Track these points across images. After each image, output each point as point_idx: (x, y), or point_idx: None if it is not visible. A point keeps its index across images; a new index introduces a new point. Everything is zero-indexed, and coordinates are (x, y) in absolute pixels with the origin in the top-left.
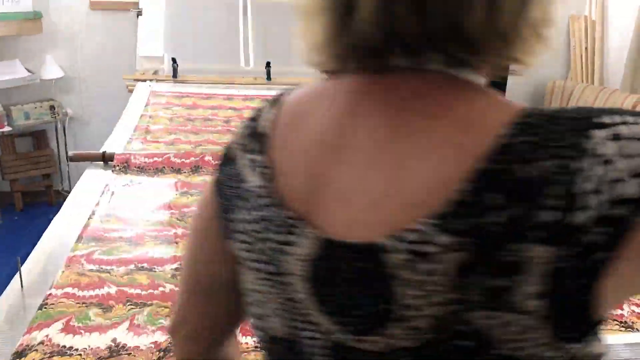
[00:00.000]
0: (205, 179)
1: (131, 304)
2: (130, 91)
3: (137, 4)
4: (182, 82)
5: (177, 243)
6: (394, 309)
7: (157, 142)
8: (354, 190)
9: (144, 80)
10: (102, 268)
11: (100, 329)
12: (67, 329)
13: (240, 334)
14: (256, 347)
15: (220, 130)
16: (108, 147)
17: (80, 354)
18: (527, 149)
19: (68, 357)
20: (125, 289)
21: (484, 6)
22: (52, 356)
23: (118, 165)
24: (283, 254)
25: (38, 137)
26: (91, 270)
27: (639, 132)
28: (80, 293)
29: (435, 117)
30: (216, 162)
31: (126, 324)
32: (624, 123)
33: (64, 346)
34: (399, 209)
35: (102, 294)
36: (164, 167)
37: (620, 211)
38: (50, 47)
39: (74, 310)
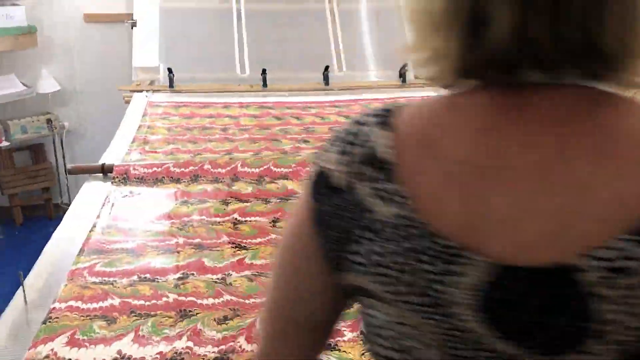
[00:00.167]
0: (205, 188)
1: (135, 315)
2: (127, 102)
3: (130, 15)
4: (179, 91)
5: (178, 252)
6: (591, 326)
7: (156, 152)
8: (524, 213)
9: (140, 91)
10: (104, 280)
11: (105, 341)
12: (72, 342)
13: None
14: None
15: (218, 138)
16: (107, 159)
17: None
18: None
19: None
20: (129, 300)
21: (620, 22)
22: None
23: (117, 177)
24: (442, 284)
25: (36, 150)
26: (94, 282)
27: None
28: (84, 306)
29: (603, 133)
30: (309, 190)
31: (131, 335)
32: None
33: (69, 359)
34: (586, 228)
35: (106, 306)
36: (164, 177)
37: None
38: (46, 60)
39: (78, 323)
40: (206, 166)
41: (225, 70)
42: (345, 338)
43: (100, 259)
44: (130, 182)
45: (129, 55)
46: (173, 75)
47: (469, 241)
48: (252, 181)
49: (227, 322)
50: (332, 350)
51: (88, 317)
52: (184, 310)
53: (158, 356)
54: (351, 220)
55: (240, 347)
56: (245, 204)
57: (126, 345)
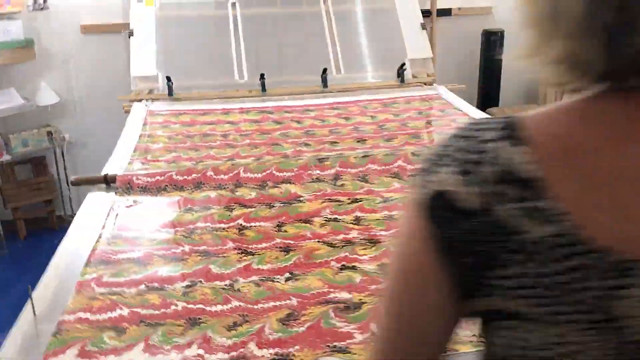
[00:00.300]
0: (208, 195)
1: (145, 325)
2: (127, 112)
3: (127, 25)
4: (178, 99)
5: (184, 260)
6: None
7: (158, 161)
8: None
9: (140, 100)
10: (113, 290)
11: (116, 351)
12: (83, 354)
13: None
14: None
15: (219, 145)
16: (109, 169)
17: None
18: None
19: None
20: (138, 309)
21: None
22: None
23: (121, 187)
24: (615, 299)
25: (37, 163)
26: (102, 293)
27: None
28: (93, 317)
29: None
30: (425, 215)
31: (141, 345)
32: None
33: None
34: None
35: (115, 317)
36: (167, 185)
37: None
38: (44, 73)
39: (88, 334)
40: (209, 173)
41: (223, 76)
42: (355, 340)
43: (107, 270)
44: (134, 191)
45: (127, 64)
46: (172, 83)
47: (634, 252)
48: (255, 186)
49: (236, 328)
50: (343, 353)
51: (98, 328)
52: (193, 318)
53: None
54: (493, 244)
55: (251, 352)
56: (249, 209)
57: (137, 355)
